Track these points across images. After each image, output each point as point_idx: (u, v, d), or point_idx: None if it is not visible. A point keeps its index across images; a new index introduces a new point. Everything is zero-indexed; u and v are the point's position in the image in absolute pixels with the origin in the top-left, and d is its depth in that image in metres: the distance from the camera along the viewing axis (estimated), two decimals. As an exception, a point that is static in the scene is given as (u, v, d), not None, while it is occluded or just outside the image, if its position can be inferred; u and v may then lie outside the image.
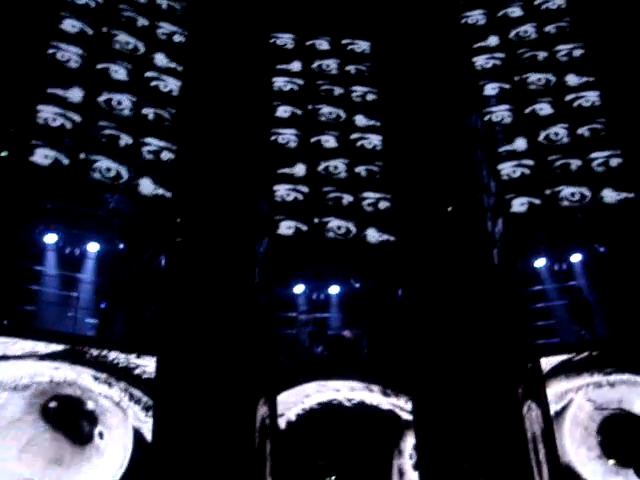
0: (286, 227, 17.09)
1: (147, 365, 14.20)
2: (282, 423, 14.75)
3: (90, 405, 13.40)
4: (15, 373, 12.94)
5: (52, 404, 13.06)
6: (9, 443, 12.40)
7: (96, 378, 13.63)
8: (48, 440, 12.73)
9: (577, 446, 13.76)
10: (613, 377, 14.28)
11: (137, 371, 14.09)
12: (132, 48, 17.81)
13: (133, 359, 14.12)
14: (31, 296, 14.44)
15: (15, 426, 12.57)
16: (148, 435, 13.61)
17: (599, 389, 14.29)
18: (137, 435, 13.58)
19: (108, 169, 15.58)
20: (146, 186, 15.97)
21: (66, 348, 13.53)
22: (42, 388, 13.07)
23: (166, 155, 16.64)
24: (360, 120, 19.26)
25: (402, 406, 15.07)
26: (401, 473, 14.49)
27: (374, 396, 15.12)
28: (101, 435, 13.30)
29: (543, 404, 14.49)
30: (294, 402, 14.95)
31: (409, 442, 14.63)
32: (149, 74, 17.64)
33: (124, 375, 13.92)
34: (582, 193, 16.56)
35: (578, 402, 14.20)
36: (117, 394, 13.70)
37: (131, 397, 13.81)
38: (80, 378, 13.48)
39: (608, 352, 14.61)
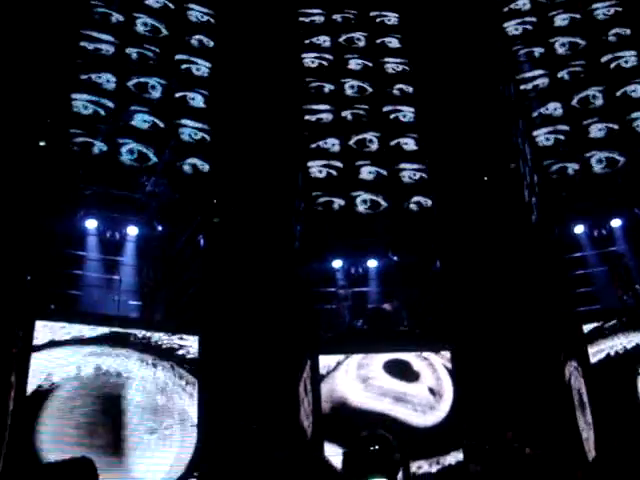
0: (322, 202, 17.16)
1: (190, 345, 14.49)
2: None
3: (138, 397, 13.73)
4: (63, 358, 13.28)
5: (104, 390, 13.33)
6: (68, 423, 12.74)
7: (142, 360, 13.97)
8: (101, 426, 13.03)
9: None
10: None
11: (181, 351, 14.37)
12: (160, 31, 17.90)
13: (176, 340, 14.40)
14: (75, 281, 14.79)
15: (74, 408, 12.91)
16: (194, 414, 13.92)
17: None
18: (183, 415, 13.92)
19: (142, 153, 15.78)
20: (182, 168, 16.17)
21: (111, 330, 13.87)
22: (90, 374, 13.39)
23: (200, 136, 16.79)
24: (392, 92, 19.14)
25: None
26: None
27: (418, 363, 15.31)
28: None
29: (586, 369, 14.45)
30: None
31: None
32: (179, 57, 17.74)
33: (168, 355, 14.23)
34: (615, 158, 16.31)
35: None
36: (162, 375, 14.01)
37: (180, 376, 14.12)
38: (127, 361, 13.82)
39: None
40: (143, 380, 13.76)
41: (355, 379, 15.07)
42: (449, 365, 15.19)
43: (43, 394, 12.66)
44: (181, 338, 14.45)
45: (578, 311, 15.36)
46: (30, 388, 12.59)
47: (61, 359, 13.16)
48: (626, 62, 17.66)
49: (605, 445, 13.47)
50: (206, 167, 16.50)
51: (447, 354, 15.29)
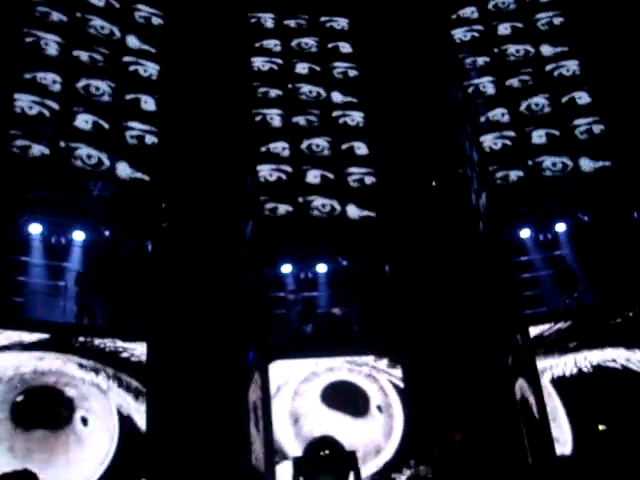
0: (271, 207, 17.10)
1: (136, 351, 14.26)
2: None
3: (71, 392, 13.41)
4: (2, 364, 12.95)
5: (20, 398, 12.94)
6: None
7: (81, 365, 13.68)
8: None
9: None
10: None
11: (125, 355, 14.14)
12: (108, 33, 17.61)
13: (122, 344, 14.17)
14: (19, 287, 14.44)
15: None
16: (140, 421, 13.72)
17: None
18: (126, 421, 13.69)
19: (89, 156, 15.47)
20: (129, 171, 15.90)
21: (52, 337, 13.54)
22: (25, 378, 13.06)
23: (149, 139, 16.56)
24: (341, 97, 19.21)
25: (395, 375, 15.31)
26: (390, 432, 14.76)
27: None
28: (85, 421, 13.37)
29: (532, 372, 14.71)
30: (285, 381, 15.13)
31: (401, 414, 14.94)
32: (127, 59, 17.48)
33: (112, 361, 13.99)
34: (564, 162, 16.66)
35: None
36: (104, 381, 13.76)
37: (120, 383, 13.88)
38: (65, 366, 13.51)
39: (592, 320, 14.84)
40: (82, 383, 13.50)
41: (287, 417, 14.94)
42: (398, 383, 15.28)
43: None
44: (127, 342, 14.22)
45: (525, 314, 15.61)
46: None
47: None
48: (567, 70, 18.08)
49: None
50: (154, 171, 16.26)
51: (395, 372, 15.37)
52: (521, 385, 15.15)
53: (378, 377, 15.26)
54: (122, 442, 13.33)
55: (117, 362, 13.99)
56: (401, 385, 15.16)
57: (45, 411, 13.04)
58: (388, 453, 14.54)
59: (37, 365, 13.23)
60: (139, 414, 13.71)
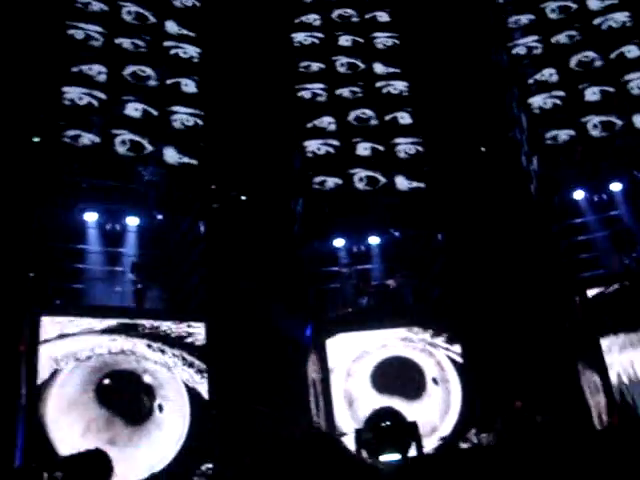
0: (320, 181, 17.10)
1: (197, 332, 14.56)
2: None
3: (148, 379, 13.87)
4: (76, 346, 13.47)
5: (106, 381, 13.56)
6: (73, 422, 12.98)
7: (149, 346, 14.06)
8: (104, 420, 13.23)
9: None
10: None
11: (189, 339, 14.45)
12: (147, 19, 17.71)
13: (184, 327, 14.47)
14: (78, 274, 14.80)
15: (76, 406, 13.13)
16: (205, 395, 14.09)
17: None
18: (194, 396, 14.05)
19: (137, 143, 15.69)
20: (177, 156, 16.10)
21: (119, 322, 13.95)
22: (102, 360, 13.58)
23: (194, 122, 16.68)
24: (385, 67, 19.02)
25: (453, 349, 15.28)
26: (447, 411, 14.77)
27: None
28: (160, 408, 13.78)
29: (592, 335, 14.51)
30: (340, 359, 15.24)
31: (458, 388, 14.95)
32: (168, 44, 17.58)
33: (177, 343, 14.31)
34: (615, 121, 16.20)
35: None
36: (171, 360, 14.11)
37: (184, 361, 14.20)
38: (136, 347, 13.96)
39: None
40: (154, 364, 13.95)
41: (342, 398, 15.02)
42: (456, 357, 15.25)
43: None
44: (188, 325, 14.52)
45: (582, 277, 15.36)
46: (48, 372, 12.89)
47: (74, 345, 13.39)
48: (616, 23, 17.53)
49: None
50: (201, 153, 16.40)
51: (453, 346, 15.34)
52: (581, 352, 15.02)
53: (434, 352, 15.25)
54: (192, 423, 13.85)
55: (179, 343, 14.34)
56: (458, 359, 15.14)
57: (128, 400, 13.68)
58: (446, 428, 14.59)
59: (110, 346, 13.74)
60: (203, 389, 14.17)
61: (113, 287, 14.98)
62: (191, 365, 14.27)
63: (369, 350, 15.31)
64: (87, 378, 13.37)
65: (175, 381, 14.06)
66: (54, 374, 13.08)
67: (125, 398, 13.67)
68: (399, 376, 15.15)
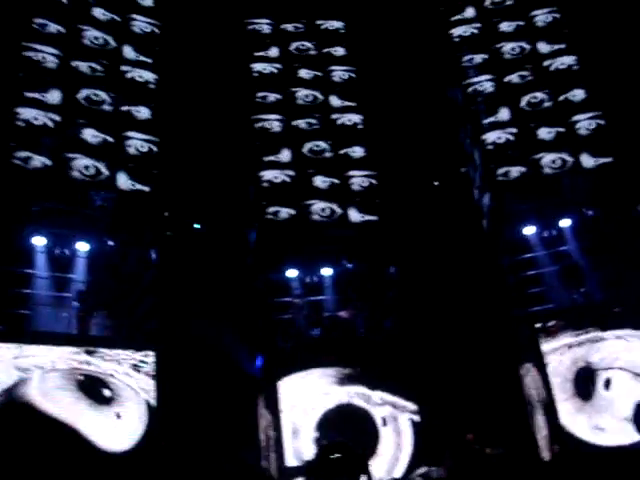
0: (274, 212, 17.10)
1: (148, 360, 14.31)
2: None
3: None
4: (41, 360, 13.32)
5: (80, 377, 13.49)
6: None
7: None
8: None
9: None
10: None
11: (139, 365, 14.20)
12: (104, 44, 17.65)
13: (134, 354, 14.22)
14: (24, 299, 14.43)
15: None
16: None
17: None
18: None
19: (88, 167, 15.47)
20: (130, 181, 15.93)
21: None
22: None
23: (149, 148, 16.57)
24: (340, 100, 19.22)
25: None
26: (400, 449, 14.71)
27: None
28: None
29: (541, 367, 14.70)
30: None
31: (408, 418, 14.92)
32: (124, 68, 17.51)
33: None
34: (563, 159, 16.65)
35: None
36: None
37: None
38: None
39: (599, 315, 14.81)
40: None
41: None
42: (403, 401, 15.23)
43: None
44: (136, 352, 14.29)
45: (532, 311, 15.59)
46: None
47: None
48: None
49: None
50: (156, 180, 16.27)
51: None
52: (530, 380, 15.18)
53: (378, 394, 15.21)
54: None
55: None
56: (406, 403, 15.14)
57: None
58: (399, 468, 14.57)
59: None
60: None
61: (60, 313, 14.63)
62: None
63: (315, 396, 15.16)
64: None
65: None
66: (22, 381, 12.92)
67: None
68: (348, 424, 14.99)
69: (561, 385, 14.34)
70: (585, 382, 14.24)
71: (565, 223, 16.35)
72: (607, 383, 14.10)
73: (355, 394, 15.11)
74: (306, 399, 15.00)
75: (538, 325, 14.98)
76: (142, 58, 17.89)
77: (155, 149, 16.59)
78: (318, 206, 17.28)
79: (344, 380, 15.22)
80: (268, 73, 19.43)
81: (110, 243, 15.59)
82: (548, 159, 16.69)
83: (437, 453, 13.77)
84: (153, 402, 13.96)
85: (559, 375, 14.42)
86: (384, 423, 14.91)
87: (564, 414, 14.11)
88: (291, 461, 14.37)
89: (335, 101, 19.22)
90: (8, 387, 12.80)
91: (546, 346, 14.72)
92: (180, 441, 14.34)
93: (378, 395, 15.10)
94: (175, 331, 15.18)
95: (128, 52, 17.81)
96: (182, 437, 14.48)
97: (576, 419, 14.04)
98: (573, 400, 14.21)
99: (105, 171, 15.62)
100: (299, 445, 14.56)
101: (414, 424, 14.87)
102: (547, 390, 14.38)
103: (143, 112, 17.03)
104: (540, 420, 14.78)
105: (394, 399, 15.06)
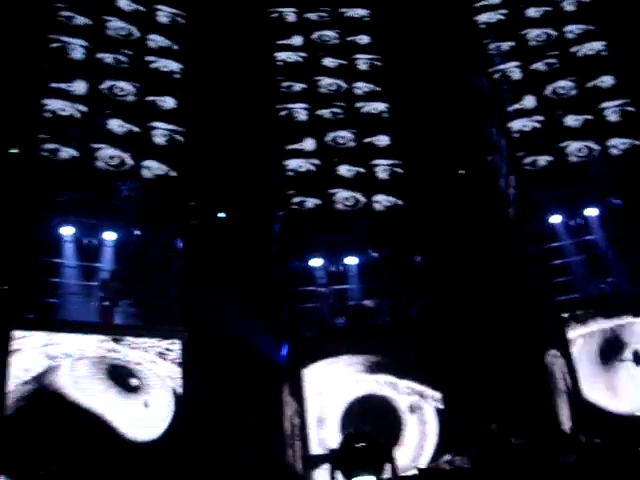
0: (299, 201, 17.13)
1: (174, 348, 14.49)
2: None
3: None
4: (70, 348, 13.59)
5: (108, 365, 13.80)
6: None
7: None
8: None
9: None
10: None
11: (165, 353, 14.36)
12: (130, 34, 17.74)
13: (160, 342, 14.38)
14: (53, 289, 14.61)
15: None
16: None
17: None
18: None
19: (113, 157, 15.64)
20: (157, 171, 16.11)
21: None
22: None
23: (175, 138, 16.68)
24: (366, 88, 19.16)
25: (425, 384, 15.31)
26: (424, 438, 14.73)
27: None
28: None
29: (567, 357, 14.66)
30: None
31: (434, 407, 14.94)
32: (149, 58, 17.61)
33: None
34: (589, 147, 16.47)
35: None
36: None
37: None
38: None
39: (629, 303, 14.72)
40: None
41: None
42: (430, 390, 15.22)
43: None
44: (165, 339, 14.44)
45: (558, 300, 15.49)
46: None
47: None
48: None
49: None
50: (181, 169, 16.38)
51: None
52: (555, 369, 15.14)
53: (405, 382, 15.22)
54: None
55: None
56: (433, 392, 15.14)
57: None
58: (424, 456, 14.60)
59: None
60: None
61: (89, 302, 14.80)
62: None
63: (342, 384, 15.19)
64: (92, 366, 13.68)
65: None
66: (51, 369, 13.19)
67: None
68: (373, 413, 15.00)
69: (588, 363, 14.43)
70: (613, 353, 14.37)
71: (591, 212, 16.17)
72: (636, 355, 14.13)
73: (383, 382, 15.14)
74: (332, 387, 15.05)
75: (565, 315, 14.96)
76: (167, 46, 17.95)
77: (181, 139, 16.69)
78: (342, 195, 17.27)
79: (372, 368, 15.27)
80: (292, 62, 19.40)
81: (137, 232, 15.73)
82: (574, 147, 16.53)
83: (462, 442, 13.78)
84: (180, 390, 14.13)
85: (586, 355, 14.50)
86: (411, 411, 14.93)
87: (589, 391, 14.21)
88: (316, 449, 14.44)
89: (359, 90, 19.14)
90: (38, 374, 13.07)
91: (573, 333, 14.73)
92: (206, 429, 14.47)
93: (405, 384, 15.13)
94: (201, 319, 15.28)
95: (152, 42, 17.88)
96: (208, 425, 14.60)
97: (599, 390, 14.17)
98: (598, 372, 14.32)
99: (130, 161, 15.74)
100: (324, 433, 14.63)
101: (439, 413, 14.89)
102: (572, 377, 14.37)
103: (168, 102, 17.12)
104: (565, 409, 14.74)
105: (421, 388, 15.07)
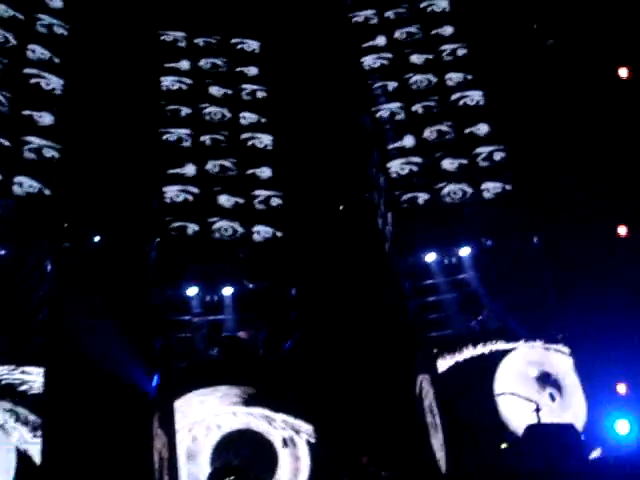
0: (176, 228, 16.84)
1: (34, 380, 13.64)
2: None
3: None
4: None
5: None
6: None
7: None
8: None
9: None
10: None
11: (23, 387, 13.48)
12: (6, 41, 17.00)
13: (18, 373, 13.52)
14: None
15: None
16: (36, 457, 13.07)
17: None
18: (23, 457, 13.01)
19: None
20: (26, 187, 15.40)
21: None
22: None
23: (49, 154, 16.04)
24: (250, 119, 19.20)
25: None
26: (297, 474, 14.60)
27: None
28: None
29: (436, 391, 15.03)
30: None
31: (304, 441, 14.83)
32: (28, 71, 16.93)
33: (7, 394, 13.33)
34: (464, 189, 17.19)
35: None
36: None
37: (17, 418, 13.20)
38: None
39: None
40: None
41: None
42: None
43: None
44: (23, 372, 13.58)
45: (431, 336, 15.86)
46: None
47: None
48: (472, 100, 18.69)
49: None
50: (54, 188, 15.73)
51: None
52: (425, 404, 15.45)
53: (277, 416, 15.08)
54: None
55: (10, 393, 13.37)
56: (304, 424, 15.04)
57: None
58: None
59: None
60: (36, 448, 13.14)
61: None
62: (25, 423, 13.30)
63: (215, 416, 14.86)
64: None
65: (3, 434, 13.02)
66: None
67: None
68: (248, 447, 14.73)
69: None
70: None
71: (465, 252, 16.75)
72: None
73: (258, 415, 14.92)
74: (205, 419, 14.69)
75: (435, 350, 15.36)
76: (49, 60, 17.34)
77: (56, 155, 16.09)
78: (220, 224, 17.14)
79: (247, 401, 15.02)
80: (177, 88, 19.21)
81: (2, 252, 14.92)
82: (449, 189, 17.17)
83: (334, 476, 13.75)
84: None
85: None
86: (284, 444, 14.75)
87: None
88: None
89: (245, 120, 19.17)
90: None
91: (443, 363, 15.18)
92: (69, 463, 13.72)
93: (281, 417, 14.96)
94: (67, 347, 14.57)
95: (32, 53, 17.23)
96: (72, 459, 13.85)
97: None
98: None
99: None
100: (195, 468, 14.21)
101: (312, 447, 14.78)
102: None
103: (45, 118, 16.47)
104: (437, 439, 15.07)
105: (296, 422, 14.94)
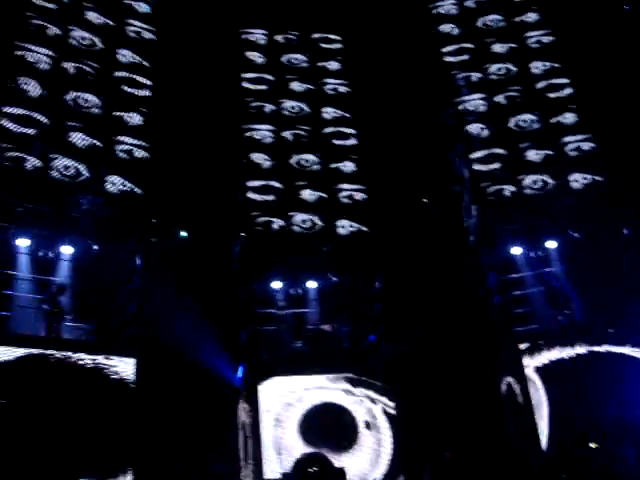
0: (261, 223, 17.06)
1: (127, 369, 14.11)
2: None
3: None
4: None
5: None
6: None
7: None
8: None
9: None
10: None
11: (116, 377, 13.99)
12: (99, 46, 17.58)
13: (112, 362, 14.03)
14: (5, 301, 14.19)
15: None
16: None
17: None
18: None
19: (76, 169, 15.38)
20: (119, 186, 15.85)
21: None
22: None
23: (139, 154, 16.49)
24: (334, 113, 19.24)
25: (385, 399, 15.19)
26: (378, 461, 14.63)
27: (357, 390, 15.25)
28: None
29: (523, 387, 14.72)
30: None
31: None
32: (119, 74, 17.46)
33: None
34: (549, 181, 16.75)
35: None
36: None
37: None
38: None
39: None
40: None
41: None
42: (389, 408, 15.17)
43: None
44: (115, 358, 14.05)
45: (516, 330, 15.56)
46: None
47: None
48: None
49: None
50: (144, 186, 16.17)
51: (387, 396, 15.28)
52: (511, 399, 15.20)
53: (365, 400, 15.15)
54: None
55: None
56: (390, 410, 15.04)
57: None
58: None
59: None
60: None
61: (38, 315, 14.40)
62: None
63: (300, 396, 15.10)
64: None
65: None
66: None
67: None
68: (330, 424, 14.93)
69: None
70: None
71: (551, 244, 16.36)
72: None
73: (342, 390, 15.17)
74: (288, 403, 15.02)
75: (523, 346, 15.04)
76: (138, 62, 17.85)
77: (146, 155, 16.53)
78: (300, 217, 17.26)
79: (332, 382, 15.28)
80: (259, 84, 19.45)
81: (95, 247, 15.45)
82: (534, 180, 16.77)
83: (416, 468, 13.73)
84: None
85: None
86: (367, 427, 14.84)
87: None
88: (270, 474, 14.22)
89: (327, 115, 19.24)
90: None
91: (530, 362, 14.81)
92: (158, 449, 14.17)
93: (366, 398, 15.14)
94: (155, 339, 15.01)
95: (122, 57, 17.76)
96: (159, 446, 14.30)
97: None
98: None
99: (86, 173, 15.47)
100: (280, 458, 14.43)
101: (394, 434, 14.79)
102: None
103: (134, 118, 16.96)
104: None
105: (379, 406, 15.01)
